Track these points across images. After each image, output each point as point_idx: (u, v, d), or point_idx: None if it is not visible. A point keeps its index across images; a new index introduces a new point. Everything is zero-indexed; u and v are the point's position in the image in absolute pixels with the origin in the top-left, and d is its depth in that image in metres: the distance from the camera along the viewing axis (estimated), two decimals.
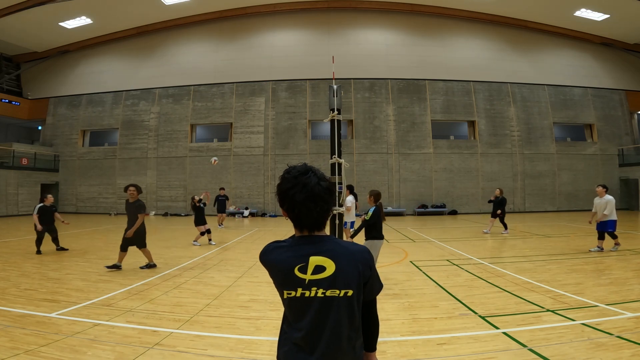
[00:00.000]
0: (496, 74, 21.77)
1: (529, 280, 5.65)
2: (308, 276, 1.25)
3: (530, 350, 3.21)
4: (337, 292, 1.25)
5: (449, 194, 20.73)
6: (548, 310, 4.25)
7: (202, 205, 9.84)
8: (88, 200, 22.62)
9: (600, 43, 22.35)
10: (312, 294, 1.25)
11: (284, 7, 21.55)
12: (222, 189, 14.56)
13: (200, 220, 9.75)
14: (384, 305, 4.57)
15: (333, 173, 2.19)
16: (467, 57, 21.81)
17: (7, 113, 23.15)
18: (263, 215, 20.45)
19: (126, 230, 6.61)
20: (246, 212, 20.02)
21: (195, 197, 9.98)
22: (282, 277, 1.28)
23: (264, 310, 4.46)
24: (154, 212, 21.47)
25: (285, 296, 1.29)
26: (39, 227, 8.19)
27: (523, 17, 21.57)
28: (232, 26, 22.28)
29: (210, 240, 9.97)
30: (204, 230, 9.76)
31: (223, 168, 21.27)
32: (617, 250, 7.97)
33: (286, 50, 21.75)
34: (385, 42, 21.81)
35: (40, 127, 24.72)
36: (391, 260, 7.37)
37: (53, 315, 4.20)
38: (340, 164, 2.15)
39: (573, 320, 3.93)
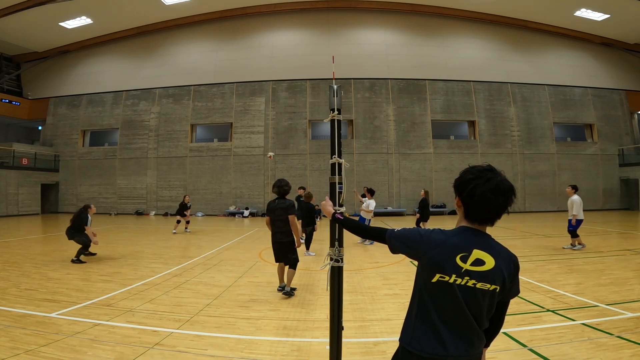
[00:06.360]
0: (496, 74, 21.76)
1: (529, 280, 5.65)
2: (466, 266, 1.32)
3: (531, 350, 3.21)
4: (488, 286, 1.32)
5: (450, 194, 20.65)
6: (548, 310, 4.25)
7: (189, 205, 12.83)
8: (88, 200, 22.44)
9: (600, 43, 22.34)
10: (463, 282, 1.32)
11: (284, 7, 21.55)
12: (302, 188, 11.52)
13: (182, 214, 12.65)
14: (384, 305, 4.58)
15: (333, 173, 2.18)
16: (467, 57, 21.80)
17: (7, 113, 23.15)
18: (263, 215, 20.44)
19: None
20: (246, 212, 20.04)
21: (187, 197, 12.93)
22: (442, 261, 1.34)
23: (264, 310, 4.46)
24: (154, 212, 21.48)
25: (435, 279, 1.35)
26: (96, 241, 7.45)
27: (523, 17, 21.57)
28: (232, 26, 22.27)
29: (186, 228, 12.87)
30: (180, 219, 12.61)
31: (223, 168, 21.29)
32: None
33: (286, 50, 21.74)
34: (385, 42, 21.80)
35: (40, 127, 24.71)
36: (391, 260, 7.36)
37: (53, 315, 4.20)
38: (340, 164, 2.14)
39: (573, 320, 3.93)
